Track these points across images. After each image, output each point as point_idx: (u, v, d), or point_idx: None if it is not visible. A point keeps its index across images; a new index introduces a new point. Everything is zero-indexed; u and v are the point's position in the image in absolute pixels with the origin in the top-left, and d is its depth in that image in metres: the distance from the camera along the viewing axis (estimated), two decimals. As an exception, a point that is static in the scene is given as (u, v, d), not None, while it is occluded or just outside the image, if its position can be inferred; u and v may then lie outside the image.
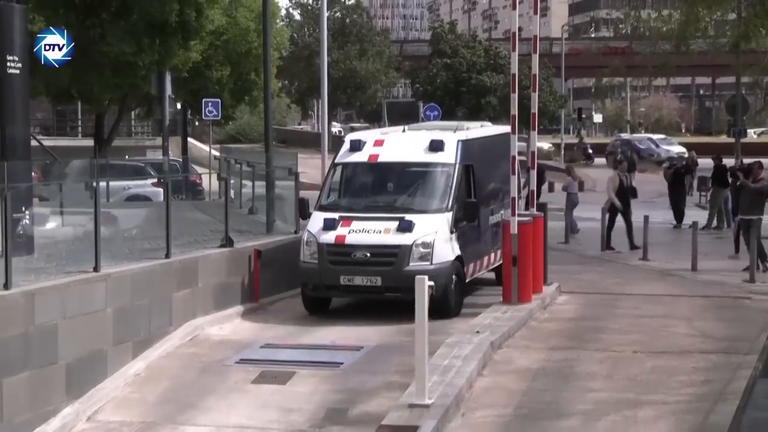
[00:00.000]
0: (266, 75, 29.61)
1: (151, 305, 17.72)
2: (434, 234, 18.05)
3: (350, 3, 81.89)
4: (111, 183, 23.95)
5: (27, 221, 17.99)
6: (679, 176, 37.22)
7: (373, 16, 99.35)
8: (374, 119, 76.25)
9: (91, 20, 31.97)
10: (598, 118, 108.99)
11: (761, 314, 20.04)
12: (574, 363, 18.14)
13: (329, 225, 18.62)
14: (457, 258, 18.74)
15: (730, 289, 23.75)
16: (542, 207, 23.82)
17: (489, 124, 28.34)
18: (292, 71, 71.01)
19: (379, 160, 20.08)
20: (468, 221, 19.02)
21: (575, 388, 16.85)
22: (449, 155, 19.70)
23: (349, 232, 18.35)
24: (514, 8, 22.34)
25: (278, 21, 52.87)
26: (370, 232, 18.31)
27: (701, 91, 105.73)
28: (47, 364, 15.62)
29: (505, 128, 23.81)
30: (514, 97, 22.18)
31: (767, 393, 9.59)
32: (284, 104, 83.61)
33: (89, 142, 44.53)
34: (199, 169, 40.33)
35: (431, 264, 17.81)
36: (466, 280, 19.58)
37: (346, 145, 21.02)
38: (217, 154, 44.63)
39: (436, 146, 19.69)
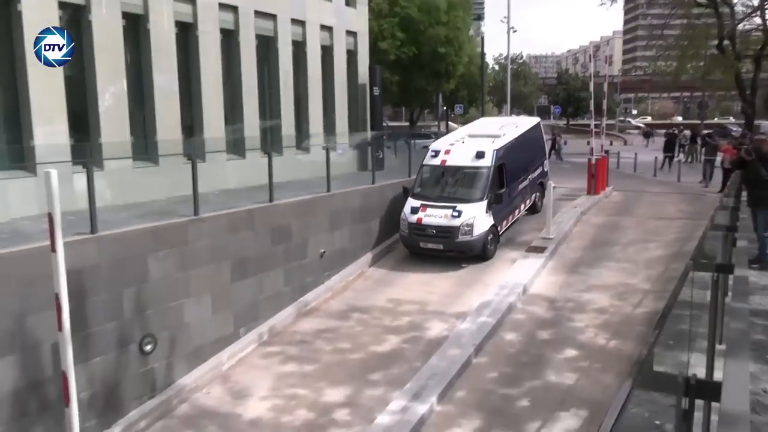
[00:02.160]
0: (482, 94, 29.47)
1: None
2: (473, 218, 14.20)
3: (520, 62, 78.34)
4: (417, 141, 23.85)
5: (380, 156, 18.53)
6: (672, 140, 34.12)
7: (530, 66, 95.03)
8: (530, 113, 73.49)
9: (408, 72, 32.17)
10: (634, 111, 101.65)
11: (711, 202, 18.51)
12: (619, 222, 17.71)
13: (414, 210, 14.74)
14: (492, 225, 14.71)
15: (695, 190, 21.99)
16: (607, 152, 22.66)
17: (525, 119, 20.75)
18: (494, 92, 68.93)
19: (447, 164, 15.46)
20: (498, 203, 14.87)
21: (619, 233, 16.75)
22: (487, 160, 15.06)
23: (425, 216, 14.51)
24: (593, 60, 21.38)
25: (488, 71, 52.02)
26: (437, 216, 14.42)
27: (685, 99, 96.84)
28: (390, 218, 15.72)
29: (535, 120, 19.17)
30: (597, 102, 21.31)
31: (713, 236, 8.82)
32: (490, 107, 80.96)
33: (406, 124, 45.16)
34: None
35: (472, 236, 14.11)
36: (501, 232, 15.53)
37: (430, 152, 16.08)
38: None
39: (480, 155, 15.15)
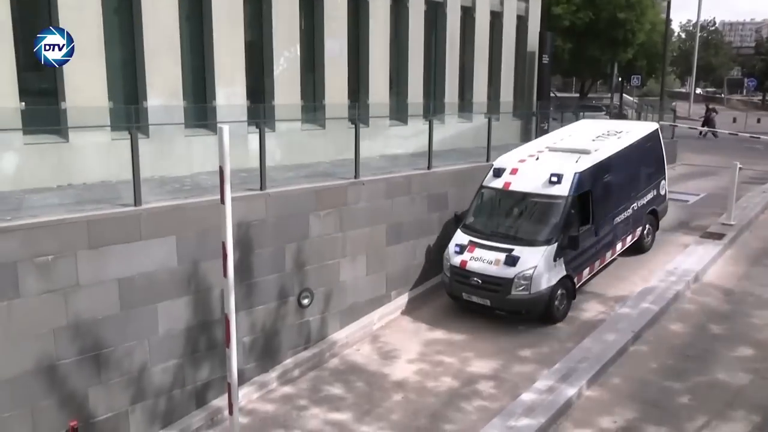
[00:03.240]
0: (664, 64, 27.25)
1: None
2: (533, 268, 10.23)
3: (711, 29, 71.09)
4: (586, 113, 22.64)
5: (545, 127, 17.74)
6: None
7: (723, 34, 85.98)
8: (719, 86, 66.80)
9: (582, 39, 30.47)
10: None
11: None
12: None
13: (460, 249, 10.96)
14: (564, 277, 10.64)
15: None
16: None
17: (637, 124, 14.64)
18: (677, 63, 63.30)
19: (510, 188, 11.28)
20: (573, 248, 10.61)
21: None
22: (564, 188, 10.82)
23: (470, 259, 10.70)
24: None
25: (673, 39, 47.72)
26: (485, 261, 10.57)
27: None
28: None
29: (652, 126, 13.91)
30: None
31: None
32: (672, 79, 74.73)
33: (576, 95, 43.14)
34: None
35: (530, 294, 10.25)
36: (579, 284, 11.13)
37: (491, 171, 11.73)
38: (636, 100, 41.38)
39: (554, 180, 10.94)
